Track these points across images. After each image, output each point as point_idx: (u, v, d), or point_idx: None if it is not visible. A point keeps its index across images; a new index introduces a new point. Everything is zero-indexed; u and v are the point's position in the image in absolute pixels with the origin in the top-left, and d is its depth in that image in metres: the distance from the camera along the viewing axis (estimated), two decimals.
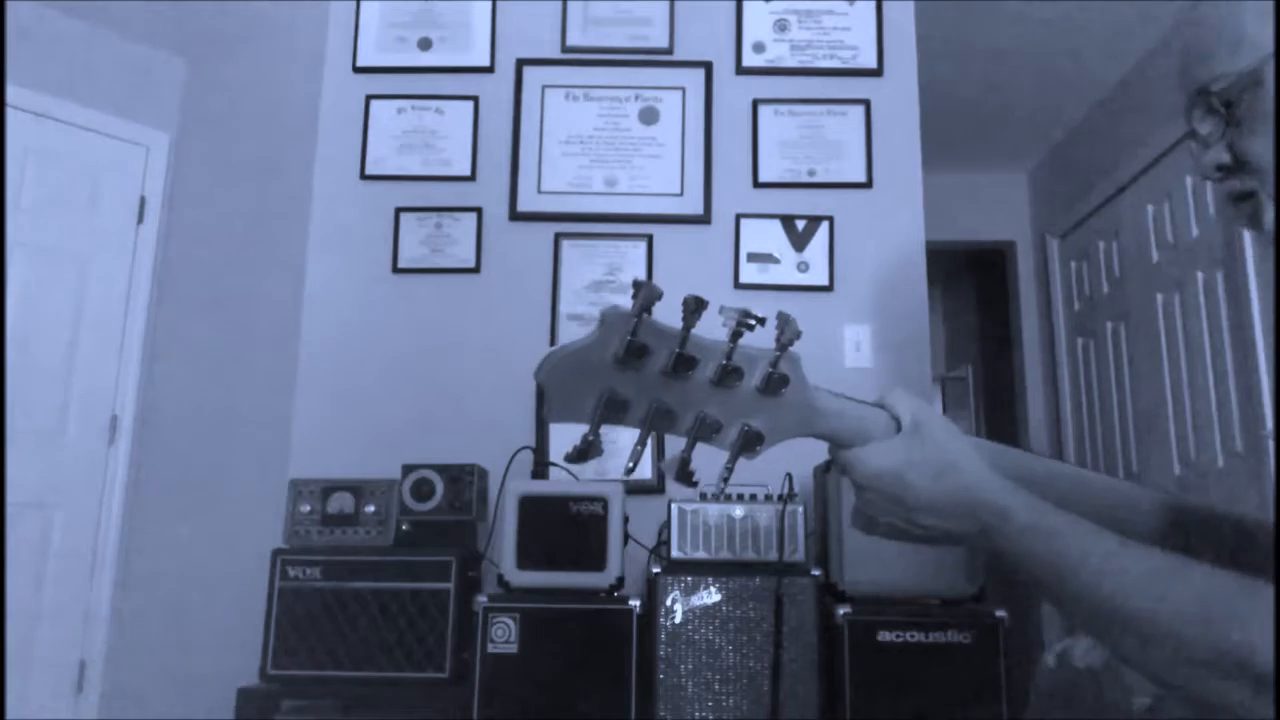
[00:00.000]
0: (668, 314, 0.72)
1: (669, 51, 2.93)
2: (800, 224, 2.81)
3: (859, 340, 2.74)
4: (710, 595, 2.07)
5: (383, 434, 2.65)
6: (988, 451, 0.80)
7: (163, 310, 2.84)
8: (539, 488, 2.25)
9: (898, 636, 2.04)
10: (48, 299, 2.73)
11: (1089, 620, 0.69)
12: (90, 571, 2.69)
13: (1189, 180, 3.41)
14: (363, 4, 2.98)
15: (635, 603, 2.09)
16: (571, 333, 2.72)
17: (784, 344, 0.72)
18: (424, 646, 2.15)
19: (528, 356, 2.65)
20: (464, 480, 2.33)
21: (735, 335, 0.71)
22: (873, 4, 2.94)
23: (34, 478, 2.62)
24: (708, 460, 0.75)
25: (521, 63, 2.93)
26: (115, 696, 2.62)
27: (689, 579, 2.09)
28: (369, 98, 2.91)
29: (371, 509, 2.29)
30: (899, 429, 0.77)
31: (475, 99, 2.90)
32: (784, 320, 0.72)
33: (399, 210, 2.83)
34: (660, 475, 2.63)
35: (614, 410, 0.71)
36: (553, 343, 2.73)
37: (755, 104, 2.89)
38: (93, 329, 2.79)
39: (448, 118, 2.89)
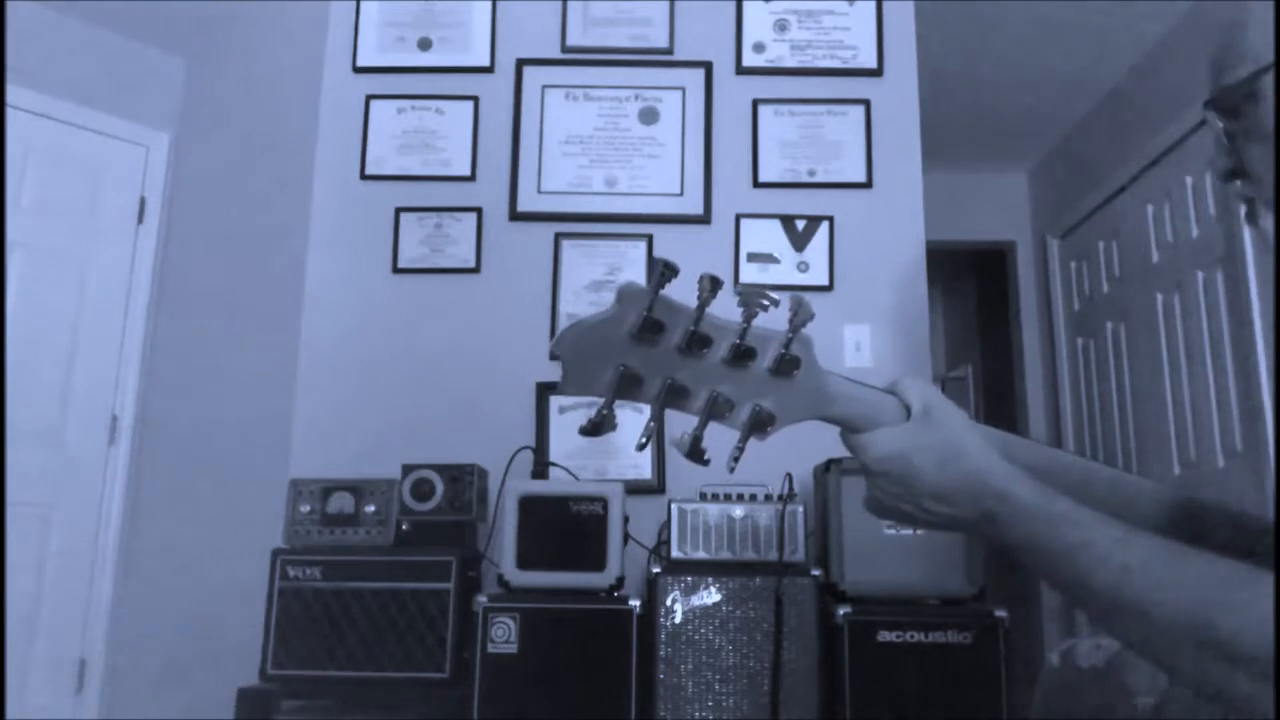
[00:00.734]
0: (680, 301, 0.72)
1: (669, 51, 2.93)
2: (800, 224, 2.81)
3: (859, 340, 2.74)
4: (710, 595, 2.07)
5: (383, 434, 2.65)
6: (996, 439, 0.80)
7: (163, 310, 2.85)
8: (539, 488, 2.25)
9: (898, 636, 2.04)
10: (48, 299, 2.73)
11: (1092, 606, 0.70)
12: (90, 571, 2.69)
13: (1189, 180, 3.41)
14: (363, 4, 2.98)
15: (635, 603, 2.09)
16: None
17: (796, 326, 0.73)
18: (424, 646, 2.15)
19: (528, 356, 2.67)
20: (464, 480, 2.33)
21: (749, 315, 0.71)
22: (873, 4, 2.94)
23: (34, 478, 2.62)
24: (716, 444, 0.75)
25: (521, 63, 2.93)
26: (115, 696, 2.62)
27: (689, 579, 2.09)
28: (369, 98, 2.91)
29: (371, 509, 2.29)
30: (909, 416, 0.78)
31: (475, 99, 2.90)
32: (798, 302, 0.72)
33: (399, 210, 2.83)
34: (661, 475, 2.63)
35: (629, 385, 0.71)
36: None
37: (755, 104, 2.89)
38: (93, 329, 2.79)
39: (448, 118, 2.89)
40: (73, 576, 2.67)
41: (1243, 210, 0.81)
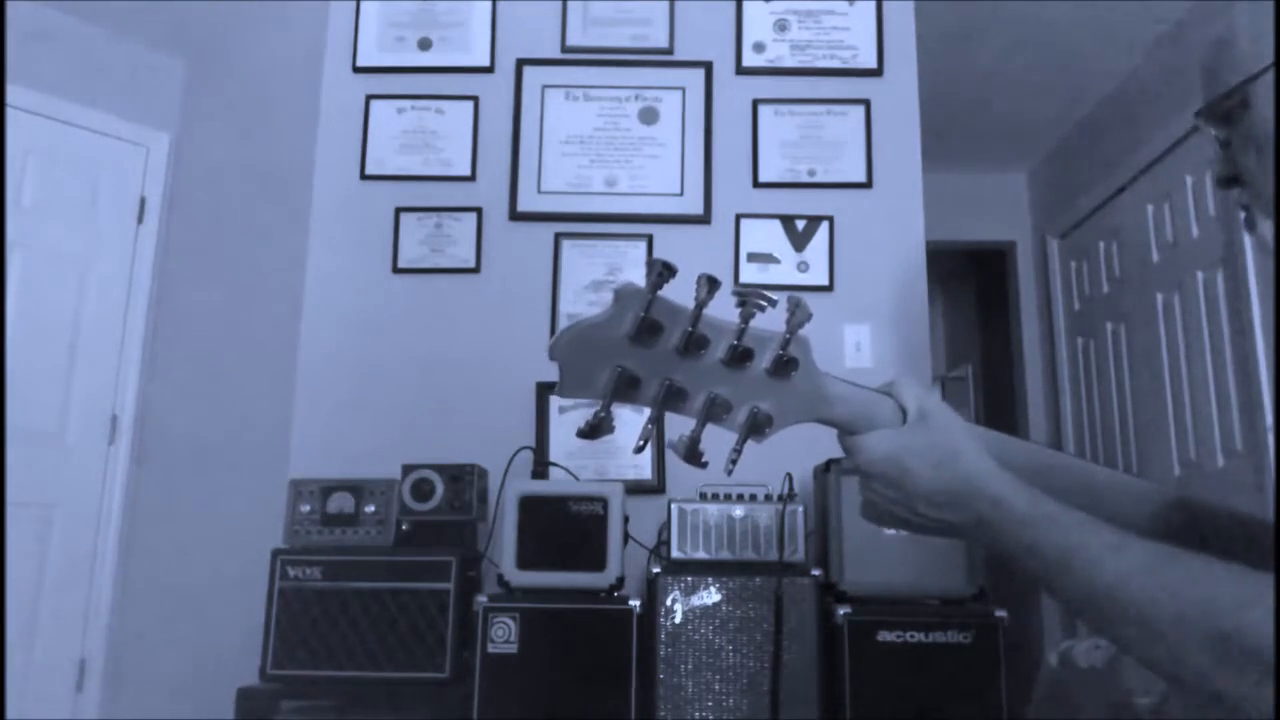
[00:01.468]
0: (677, 301, 0.72)
1: (669, 51, 2.93)
2: (800, 224, 2.81)
3: (859, 340, 2.74)
4: (710, 595, 2.07)
5: (383, 434, 2.65)
6: (992, 441, 0.80)
7: (163, 310, 2.85)
8: (539, 488, 2.25)
9: (898, 636, 2.04)
10: (48, 299, 2.73)
11: (1088, 612, 0.69)
12: (90, 571, 2.69)
13: (1189, 180, 3.41)
14: (363, 4, 2.98)
15: (635, 603, 2.09)
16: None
17: (794, 326, 0.72)
18: (424, 646, 2.15)
19: (528, 357, 2.67)
20: (464, 480, 2.33)
21: (747, 316, 0.71)
22: (873, 4, 2.94)
23: (34, 478, 2.62)
24: (714, 445, 0.75)
25: (521, 63, 2.93)
26: (115, 696, 2.62)
27: (689, 579, 2.09)
28: (369, 98, 2.91)
29: (371, 509, 2.29)
30: (905, 418, 0.78)
31: (475, 99, 2.90)
32: (795, 303, 0.72)
33: (399, 210, 2.83)
34: (661, 475, 2.63)
35: (626, 387, 0.71)
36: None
37: (755, 104, 2.89)
38: (93, 329, 2.79)
39: (448, 118, 2.89)
40: (73, 576, 2.67)
41: (1242, 217, 0.82)
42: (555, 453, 2.62)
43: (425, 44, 2.95)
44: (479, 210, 2.83)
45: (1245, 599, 0.61)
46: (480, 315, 2.77)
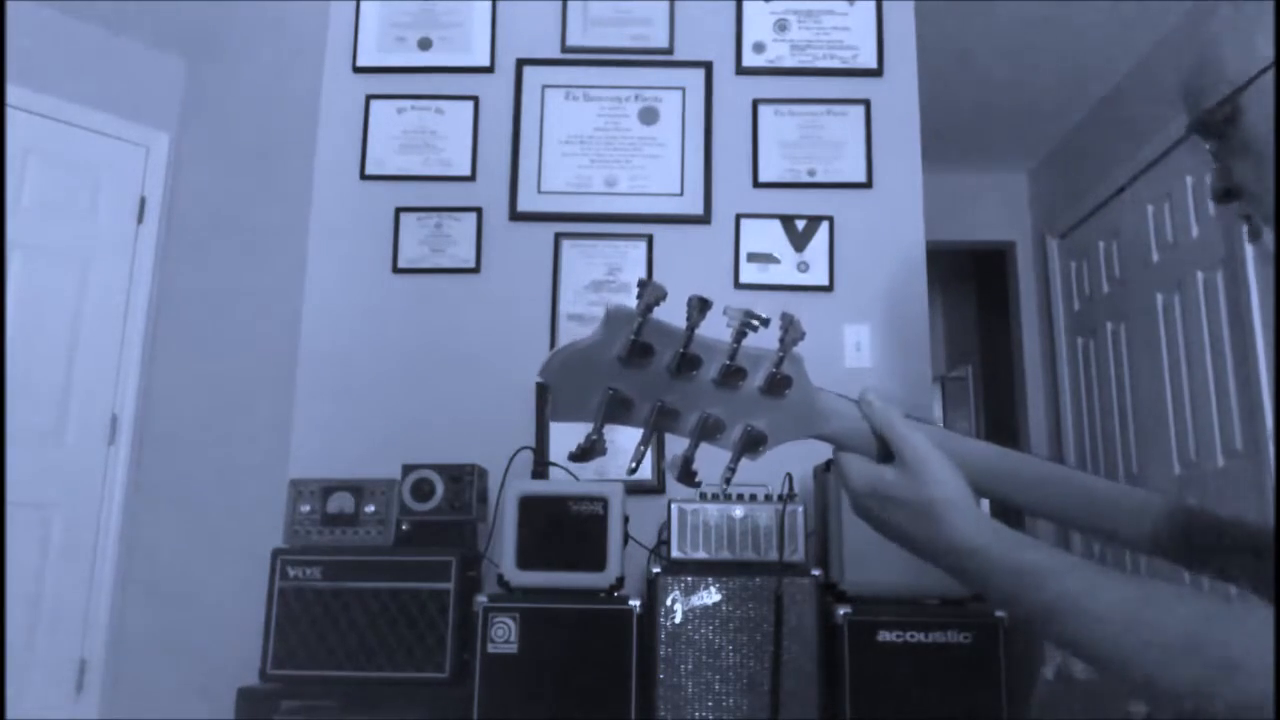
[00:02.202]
0: (669, 315, 0.72)
1: (669, 51, 2.93)
2: (800, 224, 2.81)
3: (859, 340, 2.74)
4: (710, 595, 2.07)
5: (383, 434, 2.65)
6: (988, 458, 0.79)
7: (163, 310, 2.85)
8: (539, 488, 2.25)
9: (898, 636, 2.04)
10: (48, 299, 2.73)
11: (1082, 657, 0.70)
12: (90, 571, 2.69)
13: (1189, 180, 3.41)
14: (363, 4, 2.98)
15: (635, 603, 2.09)
16: (571, 332, 2.72)
17: (788, 344, 0.72)
18: (424, 646, 2.15)
19: (528, 356, 2.66)
20: (464, 480, 2.33)
21: (739, 335, 0.71)
22: (873, 4, 2.94)
23: (34, 478, 2.62)
24: (710, 461, 0.75)
25: (521, 63, 2.93)
26: (115, 696, 2.62)
27: (689, 579, 2.09)
28: (369, 98, 2.91)
29: (371, 509, 2.29)
30: (879, 444, 0.77)
31: (475, 99, 2.90)
32: (788, 321, 0.72)
33: (399, 210, 2.83)
34: (660, 475, 2.63)
35: (618, 409, 0.71)
36: (553, 343, 2.73)
37: (755, 104, 2.89)
38: (93, 329, 2.79)
39: (448, 118, 2.89)
40: (73, 576, 2.67)
41: (1244, 228, 0.82)
42: (555, 453, 2.62)
43: (425, 44, 2.95)
44: (479, 210, 2.83)
45: (1228, 634, 0.62)
46: (480, 315, 2.77)
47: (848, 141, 2.85)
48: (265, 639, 2.17)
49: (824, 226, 2.80)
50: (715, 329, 0.72)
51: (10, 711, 2.44)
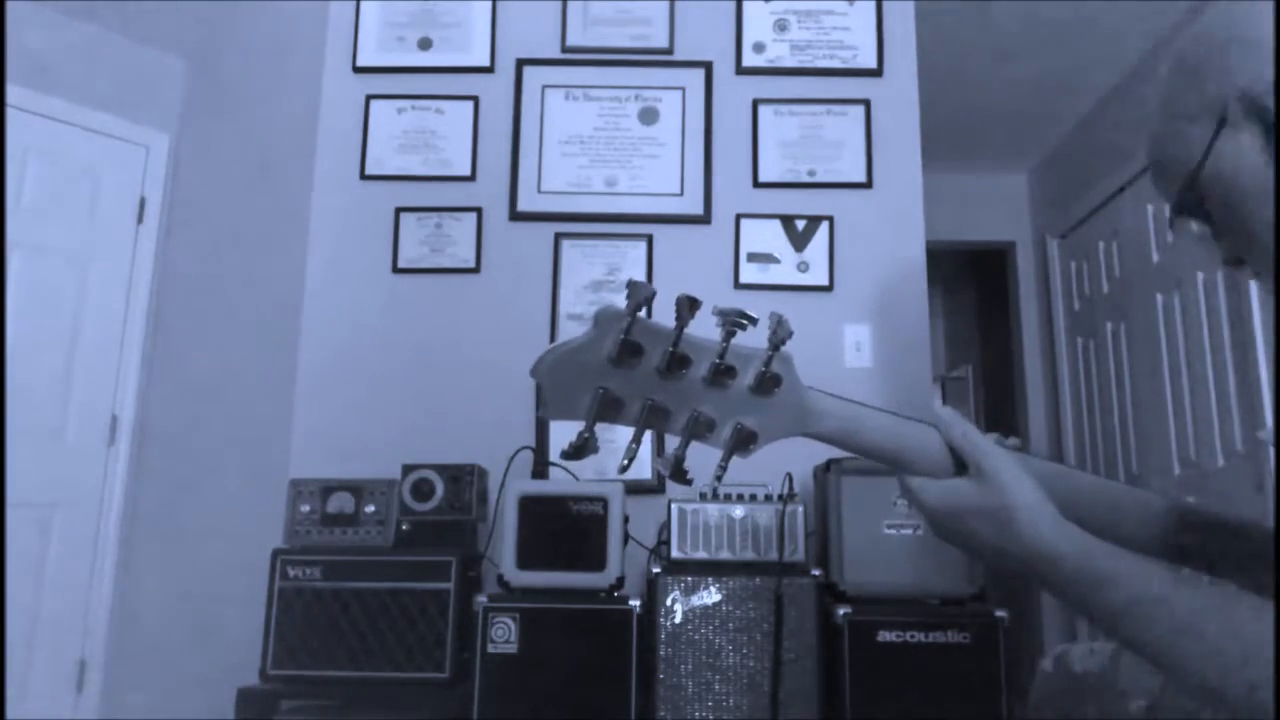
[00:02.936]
0: (666, 315, 0.72)
1: (669, 51, 2.93)
2: (800, 224, 2.81)
3: (859, 340, 2.74)
4: (710, 595, 2.07)
5: (383, 434, 2.65)
6: (1045, 478, 0.80)
7: (163, 310, 2.85)
8: (539, 488, 2.25)
9: (898, 636, 2.04)
10: (48, 299, 2.73)
11: (1149, 660, 0.72)
12: (90, 571, 2.69)
13: None
14: (363, 4, 2.98)
15: (635, 603, 2.09)
16: (571, 332, 2.71)
17: (776, 344, 0.73)
18: (424, 646, 2.15)
19: (528, 356, 2.64)
20: (464, 480, 2.33)
21: (728, 335, 0.72)
22: (873, 4, 2.94)
23: (34, 478, 2.62)
24: (705, 459, 0.76)
25: (521, 63, 2.93)
26: (115, 696, 2.62)
27: (689, 579, 2.09)
28: (369, 98, 2.91)
29: (371, 509, 2.29)
30: (954, 459, 0.78)
31: (475, 99, 2.90)
32: (776, 320, 0.73)
33: (399, 210, 2.83)
34: (660, 475, 2.63)
35: (609, 408, 0.72)
36: (552, 343, 2.73)
37: (755, 104, 2.89)
38: (93, 329, 2.79)
39: (448, 118, 2.89)
40: (73, 576, 2.67)
41: (1254, 285, 0.86)
42: (555, 452, 2.62)
43: (425, 44, 2.95)
44: (479, 210, 2.83)
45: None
46: (480, 315, 2.77)
47: (848, 141, 2.85)
48: (265, 639, 2.17)
49: (824, 226, 2.80)
50: (705, 329, 0.73)
51: (10, 711, 2.44)
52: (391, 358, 2.75)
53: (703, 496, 2.15)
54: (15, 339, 2.64)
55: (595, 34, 2.94)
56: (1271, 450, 2.83)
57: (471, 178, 2.86)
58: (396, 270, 2.80)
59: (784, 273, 2.78)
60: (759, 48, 2.93)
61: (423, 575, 2.19)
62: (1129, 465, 3.80)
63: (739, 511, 2.14)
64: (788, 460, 2.00)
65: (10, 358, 2.61)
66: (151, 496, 2.74)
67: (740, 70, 2.92)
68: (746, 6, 2.95)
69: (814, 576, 2.09)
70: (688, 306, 0.70)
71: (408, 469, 2.35)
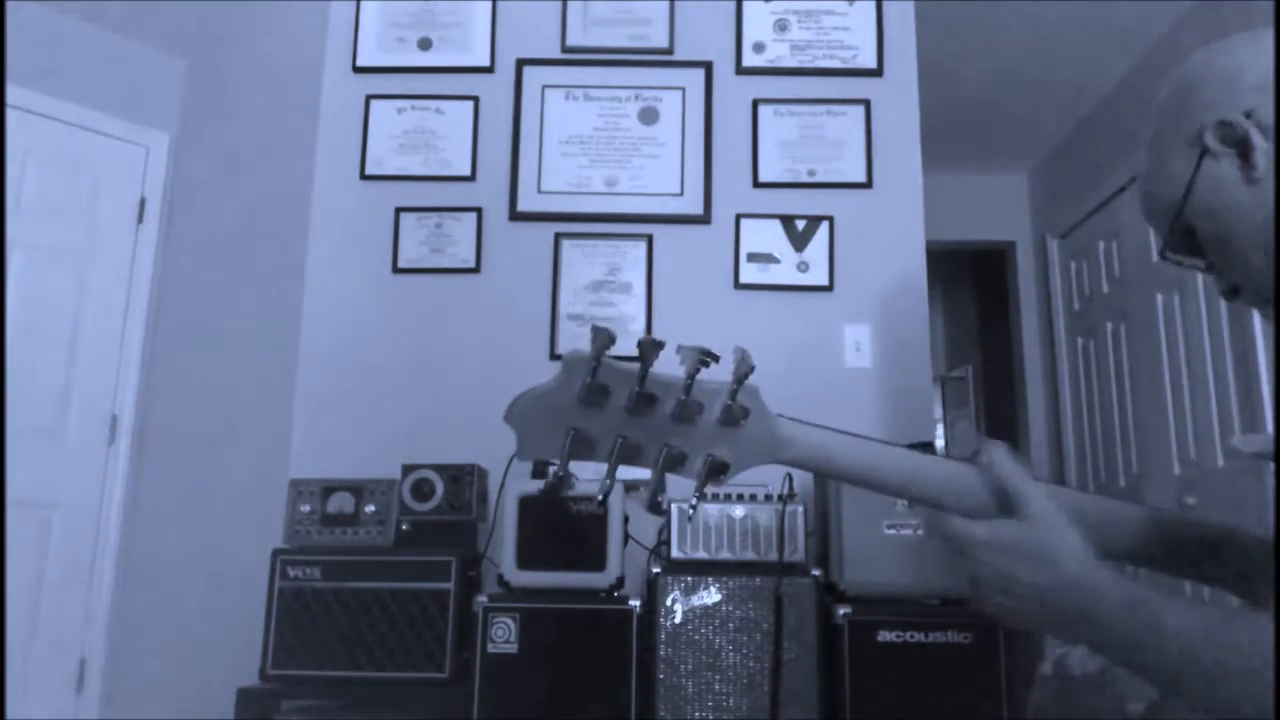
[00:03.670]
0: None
1: (669, 51, 2.93)
2: (800, 224, 2.81)
3: (859, 340, 2.74)
4: (710, 595, 2.07)
5: (383, 434, 2.65)
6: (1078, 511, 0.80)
7: (163, 310, 2.85)
8: (539, 488, 2.24)
9: (898, 636, 2.04)
10: (48, 299, 2.73)
11: (1190, 694, 0.71)
12: (90, 571, 2.69)
13: None
14: (363, 4, 2.98)
15: (635, 603, 2.09)
16: (571, 332, 2.72)
17: (739, 377, 0.75)
18: (424, 646, 2.15)
19: (528, 357, 2.67)
20: (464, 480, 2.33)
21: (691, 373, 0.74)
22: (873, 4, 2.94)
23: (34, 478, 2.62)
24: (688, 485, 0.79)
25: (521, 63, 2.93)
26: (115, 696, 2.62)
27: (689, 579, 2.09)
28: (369, 98, 2.91)
29: (371, 509, 2.29)
30: (994, 495, 0.78)
31: (475, 99, 2.90)
32: (739, 356, 0.75)
33: (399, 210, 2.83)
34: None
35: (581, 447, 0.76)
36: (553, 343, 2.73)
37: (755, 104, 2.89)
38: (93, 329, 2.79)
39: (448, 118, 2.89)
40: (73, 576, 2.67)
41: (1257, 316, 0.88)
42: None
43: (425, 44, 2.95)
44: (479, 210, 2.83)
45: None
46: (480, 315, 2.77)
47: (848, 141, 2.85)
48: (265, 639, 2.17)
49: (824, 226, 2.80)
50: (671, 366, 0.76)
51: (10, 711, 2.44)
52: (391, 358, 2.74)
53: (703, 496, 2.15)
54: (15, 339, 2.64)
55: (595, 34, 2.94)
56: (1248, 458, 2.82)
57: (471, 178, 2.86)
58: (396, 270, 2.80)
59: (784, 273, 2.78)
60: (759, 48, 2.93)
61: (423, 575, 2.19)
62: (1129, 465, 3.80)
63: (739, 511, 2.14)
64: None
65: (10, 358, 2.61)
66: (151, 496, 2.74)
67: (740, 70, 2.92)
68: (746, 6, 2.95)
69: (814, 576, 2.09)
70: (649, 348, 0.73)
71: (408, 469, 2.35)
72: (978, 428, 5.50)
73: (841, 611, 2.05)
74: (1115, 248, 3.97)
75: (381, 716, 2.14)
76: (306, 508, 2.30)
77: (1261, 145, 0.79)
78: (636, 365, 0.74)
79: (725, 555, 2.12)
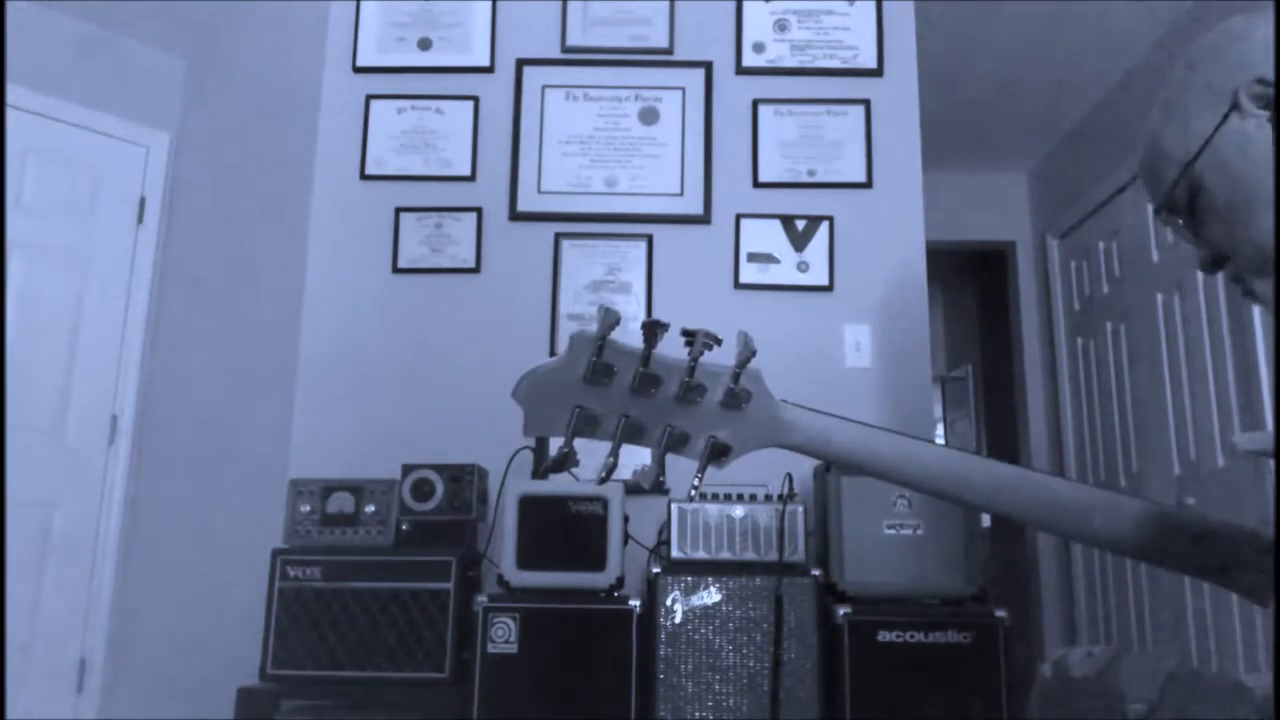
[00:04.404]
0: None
1: (669, 51, 2.93)
2: (800, 224, 2.81)
3: (859, 340, 2.74)
4: (710, 595, 2.07)
5: (383, 434, 2.65)
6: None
7: (163, 310, 2.85)
8: (539, 488, 2.25)
9: (898, 636, 2.04)
10: (48, 299, 2.73)
11: None
12: (90, 571, 2.69)
13: None
14: (363, 4, 2.98)
15: (635, 603, 2.09)
16: (571, 332, 2.72)
17: (741, 361, 0.77)
18: (424, 646, 2.15)
19: (528, 356, 2.67)
20: (464, 480, 2.33)
21: (695, 355, 0.76)
22: (873, 4, 2.94)
23: (34, 477, 2.62)
24: (689, 469, 0.80)
25: (521, 63, 2.93)
26: (115, 696, 2.62)
27: (689, 579, 2.09)
28: (369, 98, 2.91)
29: (371, 509, 2.29)
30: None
31: (475, 99, 2.90)
32: (742, 339, 0.77)
33: (399, 210, 2.83)
34: (657, 480, 2.63)
35: (586, 425, 0.78)
36: (553, 343, 2.74)
37: (755, 104, 2.89)
38: (93, 329, 2.79)
39: (448, 118, 2.89)
40: (73, 576, 2.66)
41: (1240, 291, 0.86)
42: (555, 453, 2.62)
43: (425, 44, 2.95)
44: (479, 210, 2.83)
45: None
46: (480, 315, 2.77)
47: (848, 141, 2.85)
48: (265, 639, 2.17)
49: (824, 226, 2.80)
50: (677, 349, 0.77)
51: (10, 711, 2.44)
52: (391, 358, 2.75)
53: (703, 497, 2.15)
54: (15, 339, 2.64)
55: (595, 34, 2.94)
56: (1248, 455, 2.82)
57: (471, 178, 2.86)
58: (396, 270, 2.80)
59: (784, 273, 2.78)
60: (759, 48, 2.93)
61: (423, 575, 2.19)
62: (1129, 465, 3.80)
63: (739, 511, 2.14)
64: (788, 460, 2.00)
65: (10, 358, 2.61)
66: (151, 496, 2.74)
67: (740, 70, 2.92)
68: (746, 6, 2.95)
69: (814, 576, 2.09)
70: (652, 330, 0.75)
71: (408, 469, 2.35)
72: (977, 428, 5.50)
73: (841, 611, 2.05)
74: (1115, 248, 3.97)
75: (381, 716, 2.14)
76: (306, 508, 2.30)
77: None
78: (641, 346, 0.76)
79: (725, 555, 2.12)
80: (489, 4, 2.96)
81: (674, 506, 2.16)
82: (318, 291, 2.81)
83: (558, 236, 2.81)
